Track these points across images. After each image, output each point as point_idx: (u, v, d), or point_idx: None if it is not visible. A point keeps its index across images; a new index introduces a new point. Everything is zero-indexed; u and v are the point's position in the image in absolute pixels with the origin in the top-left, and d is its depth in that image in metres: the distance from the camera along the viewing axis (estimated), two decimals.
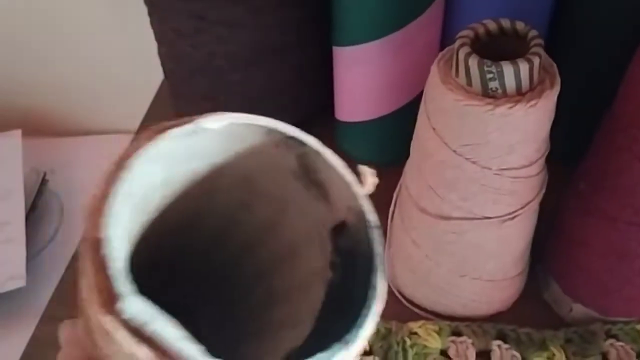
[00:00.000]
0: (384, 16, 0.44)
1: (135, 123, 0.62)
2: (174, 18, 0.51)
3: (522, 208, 0.35)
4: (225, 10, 0.48)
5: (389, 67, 0.46)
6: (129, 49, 0.70)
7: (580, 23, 0.45)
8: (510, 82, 0.30)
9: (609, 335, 0.40)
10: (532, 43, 0.31)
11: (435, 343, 0.40)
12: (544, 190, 0.37)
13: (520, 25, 0.32)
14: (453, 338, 0.41)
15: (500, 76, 0.30)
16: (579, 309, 0.41)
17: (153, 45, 0.55)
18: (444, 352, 0.41)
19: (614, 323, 0.40)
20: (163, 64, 0.57)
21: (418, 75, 0.49)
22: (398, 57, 0.46)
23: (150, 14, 0.53)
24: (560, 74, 0.48)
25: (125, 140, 0.61)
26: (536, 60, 0.30)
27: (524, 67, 0.30)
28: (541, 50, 0.31)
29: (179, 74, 0.56)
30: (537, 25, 0.46)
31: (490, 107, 0.31)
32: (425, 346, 0.40)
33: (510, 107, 0.30)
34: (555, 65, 0.33)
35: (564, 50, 0.47)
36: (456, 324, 0.42)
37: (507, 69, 0.30)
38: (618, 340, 0.40)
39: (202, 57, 0.51)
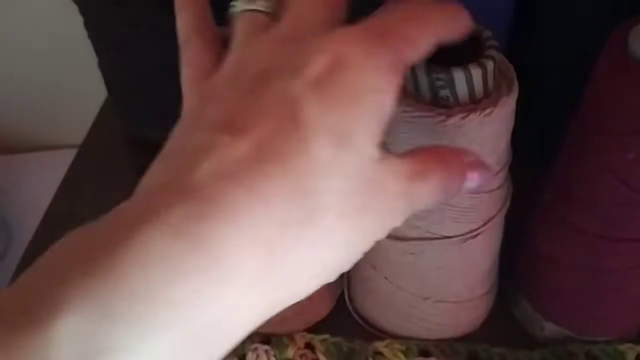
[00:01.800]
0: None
1: (81, 137, 0.58)
2: (108, 26, 0.47)
3: (484, 225, 0.32)
4: (163, 17, 0.45)
5: None
6: (73, 63, 0.67)
7: (547, 20, 0.43)
8: (462, 90, 0.27)
9: (589, 356, 0.37)
10: (486, 45, 0.28)
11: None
12: (508, 204, 0.34)
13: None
14: (421, 359, 0.39)
15: (451, 83, 0.27)
16: (551, 328, 0.38)
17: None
18: None
19: (594, 343, 0.37)
20: (103, 76, 0.53)
21: None
22: None
23: (85, 24, 0.49)
24: (526, 74, 0.47)
25: (70, 155, 0.58)
26: (490, 65, 0.27)
27: (476, 72, 0.27)
28: (496, 53, 0.27)
29: (120, 86, 0.52)
30: (499, 24, 0.44)
31: (441, 117, 0.27)
32: None
33: (463, 117, 0.27)
34: (512, 68, 0.30)
35: (530, 49, 0.45)
36: (425, 343, 0.39)
37: (458, 75, 0.26)
38: None
39: (142, 67, 0.48)
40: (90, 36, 0.50)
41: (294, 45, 0.20)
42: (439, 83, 0.27)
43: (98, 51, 0.51)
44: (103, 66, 0.52)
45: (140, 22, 0.45)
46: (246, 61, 0.21)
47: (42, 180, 0.66)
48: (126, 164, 0.56)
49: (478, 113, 0.27)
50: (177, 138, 0.22)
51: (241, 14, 0.23)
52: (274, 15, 0.23)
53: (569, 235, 0.33)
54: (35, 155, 0.72)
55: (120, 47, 0.48)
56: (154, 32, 0.46)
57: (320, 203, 0.19)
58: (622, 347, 0.37)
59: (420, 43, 0.20)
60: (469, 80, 0.27)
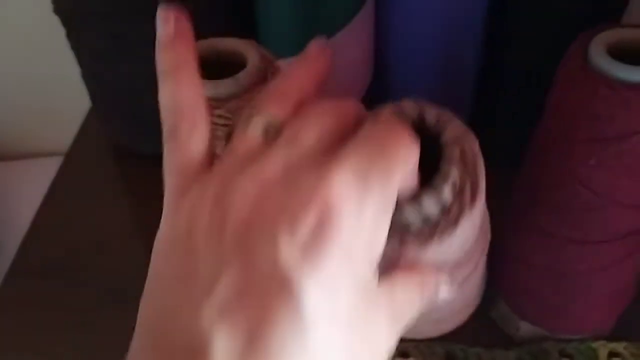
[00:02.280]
0: (304, 30, 0.42)
1: (67, 144, 0.59)
2: (90, 38, 0.48)
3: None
4: (144, 28, 0.45)
5: None
6: (58, 71, 0.67)
7: (519, 24, 0.44)
8: (415, 219, 0.23)
9: (563, 354, 0.38)
10: (448, 154, 0.24)
11: None
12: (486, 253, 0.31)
13: (430, 115, 0.25)
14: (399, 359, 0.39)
15: (400, 214, 0.23)
16: (526, 327, 0.39)
17: None
18: None
19: (567, 341, 0.38)
20: (87, 87, 0.54)
21: (352, 87, 0.47)
22: None
23: (67, 35, 0.50)
24: (501, 74, 0.48)
25: (55, 162, 0.58)
26: (446, 191, 0.23)
27: (429, 203, 0.23)
28: (455, 171, 0.23)
29: (102, 97, 0.53)
30: (473, 27, 0.45)
31: (395, 252, 0.23)
32: None
33: (421, 246, 0.24)
34: (480, 161, 0.25)
35: (504, 50, 0.46)
36: (403, 344, 0.40)
37: (409, 210, 0.23)
38: (572, 359, 0.38)
39: (124, 78, 0.49)
40: (73, 47, 0.51)
41: (280, 190, 0.19)
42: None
43: (81, 62, 0.52)
44: (86, 77, 0.53)
45: (121, 33, 0.46)
46: (230, 203, 0.19)
47: (27, 188, 0.66)
48: (111, 172, 0.57)
49: (436, 238, 0.24)
50: (158, 299, 0.20)
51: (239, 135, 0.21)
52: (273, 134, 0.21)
53: (538, 237, 0.34)
54: (21, 163, 0.72)
55: (102, 58, 0.48)
56: (135, 43, 0.46)
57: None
58: (595, 345, 0.38)
59: (398, 171, 0.20)
60: (421, 211, 0.23)
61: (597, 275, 0.33)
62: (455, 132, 0.24)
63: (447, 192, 0.23)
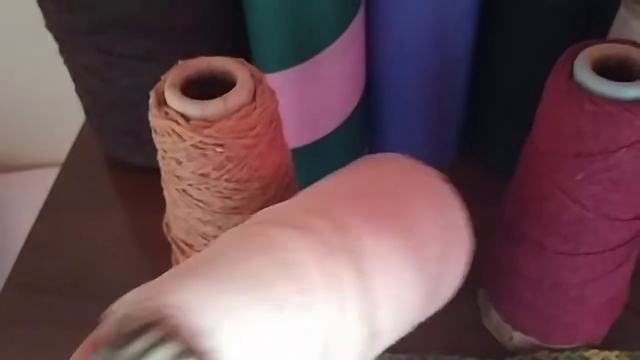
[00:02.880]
0: (295, 44, 0.42)
1: (62, 155, 0.59)
2: (82, 53, 0.48)
3: None
4: (133, 44, 0.46)
5: (308, 93, 0.44)
6: (53, 83, 0.67)
7: (508, 37, 0.44)
8: None
9: None
10: None
11: None
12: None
13: None
14: None
15: None
16: (519, 337, 0.39)
17: None
18: None
19: (560, 350, 0.39)
20: (80, 100, 0.54)
21: (344, 99, 0.47)
22: (316, 84, 0.44)
23: (60, 50, 0.50)
24: (494, 83, 0.48)
25: (51, 174, 0.59)
26: None
27: None
28: None
29: (96, 110, 0.53)
30: (463, 38, 0.46)
31: None
32: None
33: None
34: None
35: (495, 61, 0.46)
36: (397, 355, 0.40)
37: None
38: None
39: (115, 91, 0.49)
40: (65, 62, 0.51)
41: None
42: None
43: (74, 76, 0.52)
44: (79, 91, 0.53)
45: (112, 49, 0.46)
46: None
47: (22, 200, 0.67)
48: (106, 185, 0.57)
49: None
50: None
51: None
52: None
53: (529, 248, 0.34)
54: (16, 175, 0.73)
55: (95, 73, 0.49)
56: (127, 59, 0.47)
57: None
58: (587, 354, 0.38)
59: None
60: None
61: (588, 286, 0.34)
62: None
63: None
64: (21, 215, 0.57)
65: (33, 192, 0.59)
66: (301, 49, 0.43)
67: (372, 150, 0.54)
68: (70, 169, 0.59)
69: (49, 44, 0.51)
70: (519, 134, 0.35)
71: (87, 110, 0.54)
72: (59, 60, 0.51)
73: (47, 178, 0.58)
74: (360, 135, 0.52)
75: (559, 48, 0.31)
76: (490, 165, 0.51)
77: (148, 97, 0.33)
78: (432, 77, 0.47)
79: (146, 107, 0.46)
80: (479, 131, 0.51)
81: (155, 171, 0.37)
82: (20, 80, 0.70)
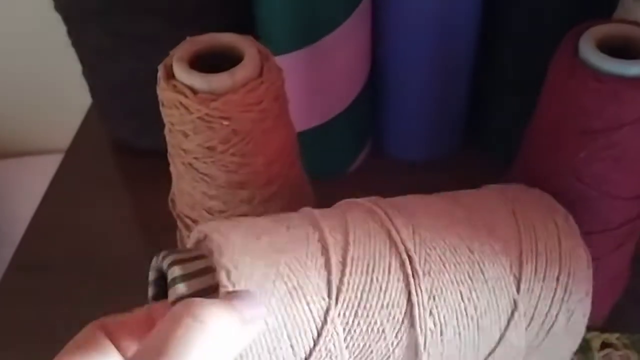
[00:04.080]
0: (302, 27, 0.42)
1: (67, 142, 0.60)
2: (90, 35, 0.48)
3: None
4: (144, 25, 0.46)
5: (315, 76, 0.45)
6: (60, 68, 0.68)
7: (512, 21, 0.44)
8: None
9: None
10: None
11: None
12: None
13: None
14: None
15: None
16: None
17: None
18: None
19: None
20: (88, 83, 0.54)
21: (349, 84, 0.48)
22: (323, 67, 0.44)
23: (68, 32, 0.51)
24: (498, 67, 0.48)
25: (56, 160, 0.59)
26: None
27: None
28: None
29: (103, 93, 0.53)
30: (468, 24, 0.46)
31: None
32: None
33: None
34: None
35: (499, 46, 0.46)
36: None
37: None
38: None
39: (123, 73, 0.49)
40: (74, 44, 0.52)
41: None
42: None
43: (81, 59, 0.52)
44: (87, 73, 0.53)
45: (121, 31, 0.47)
46: None
47: (28, 185, 0.67)
48: (112, 168, 0.58)
49: None
50: None
51: None
52: None
53: None
54: (21, 161, 0.73)
55: (103, 55, 0.49)
56: (135, 40, 0.47)
57: None
58: (588, 336, 0.38)
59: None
60: None
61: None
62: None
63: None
64: (27, 199, 0.57)
65: (39, 177, 0.59)
66: (308, 31, 0.43)
67: (377, 135, 0.54)
68: (75, 152, 0.59)
69: (54, 30, 0.51)
70: (523, 120, 0.35)
71: (94, 92, 0.55)
72: (64, 48, 0.52)
73: (52, 164, 0.58)
74: (365, 120, 0.52)
75: (562, 33, 0.31)
76: (494, 151, 0.51)
77: (155, 79, 0.34)
78: (437, 62, 0.47)
79: (153, 90, 0.47)
80: (483, 116, 0.52)
81: (160, 155, 0.37)
82: (25, 67, 0.71)
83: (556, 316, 0.28)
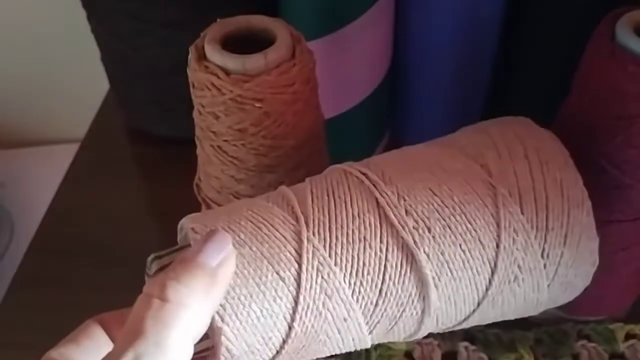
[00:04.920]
0: (325, 14, 0.42)
1: (83, 131, 0.59)
2: (112, 19, 0.48)
3: None
4: (167, 11, 0.46)
5: (337, 64, 0.44)
6: (76, 57, 0.68)
7: (539, 8, 0.44)
8: None
9: (581, 335, 0.39)
10: None
11: (399, 345, 0.39)
12: None
13: None
14: (418, 339, 0.40)
15: None
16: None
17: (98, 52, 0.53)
18: (408, 354, 0.39)
19: (585, 323, 0.39)
20: (106, 70, 0.54)
21: (370, 74, 0.47)
22: (344, 56, 0.44)
23: (88, 17, 0.50)
24: (521, 59, 0.48)
25: (72, 149, 0.59)
26: None
27: None
28: None
29: (122, 79, 0.53)
30: (493, 16, 0.46)
31: None
32: (389, 348, 0.38)
33: None
34: None
35: (523, 40, 0.46)
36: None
37: None
38: (590, 341, 0.38)
39: (143, 59, 0.49)
40: (93, 29, 0.51)
41: None
42: None
43: (101, 44, 0.52)
44: (106, 59, 0.53)
45: (142, 15, 0.46)
46: None
47: (45, 174, 0.67)
48: (128, 156, 0.58)
49: None
50: None
51: None
52: None
53: None
54: (38, 150, 0.73)
55: (123, 40, 0.49)
56: (157, 25, 0.47)
57: None
58: (613, 326, 0.38)
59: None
60: None
61: (618, 255, 0.34)
62: None
63: None
64: (44, 189, 0.57)
65: (56, 166, 0.59)
66: (330, 19, 0.43)
67: (395, 127, 0.54)
68: (92, 140, 0.59)
69: (73, 16, 0.51)
70: (546, 117, 0.35)
71: (112, 79, 0.54)
72: (82, 35, 0.52)
73: (69, 153, 0.58)
74: (384, 111, 0.52)
75: (588, 29, 0.31)
76: None
77: (175, 66, 0.33)
78: (460, 55, 0.47)
79: (173, 77, 0.47)
80: (505, 109, 0.51)
81: (177, 142, 0.37)
82: (43, 56, 0.71)
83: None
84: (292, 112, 0.31)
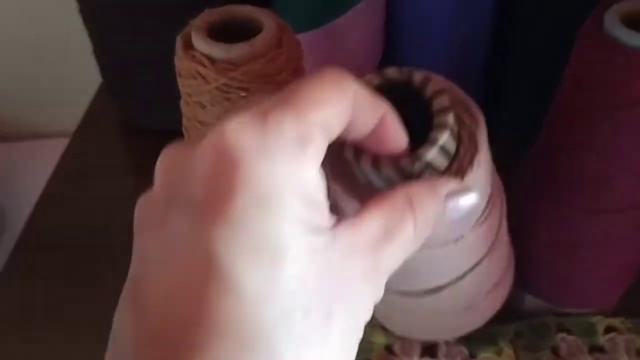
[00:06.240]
0: (316, 7, 0.42)
1: (75, 125, 0.59)
2: (104, 12, 0.48)
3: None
4: (160, 3, 0.46)
5: (328, 57, 0.44)
6: (67, 49, 0.67)
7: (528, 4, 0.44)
8: (418, 168, 0.22)
9: (561, 329, 0.38)
10: (438, 104, 0.22)
11: (380, 338, 0.38)
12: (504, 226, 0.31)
13: (418, 77, 0.24)
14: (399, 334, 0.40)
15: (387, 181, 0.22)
16: (530, 300, 0.39)
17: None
18: (388, 348, 0.39)
19: (566, 315, 0.39)
20: (98, 62, 0.54)
21: (361, 66, 0.47)
22: (335, 48, 0.44)
23: (81, 10, 0.50)
24: (509, 58, 0.48)
25: (64, 143, 0.59)
26: (445, 136, 0.22)
27: (420, 164, 0.22)
28: (451, 117, 0.22)
29: (114, 71, 0.53)
30: (484, 11, 0.45)
31: None
32: (370, 342, 0.38)
33: None
34: (478, 113, 0.24)
35: (512, 34, 0.46)
36: None
37: (391, 172, 0.22)
38: (570, 333, 0.38)
39: (136, 51, 0.49)
40: (85, 22, 0.51)
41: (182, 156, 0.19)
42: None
43: (93, 37, 0.52)
44: (98, 51, 0.53)
45: (135, 8, 0.46)
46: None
47: (36, 168, 0.66)
48: (120, 149, 0.57)
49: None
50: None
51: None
52: None
53: (545, 206, 0.34)
54: (30, 144, 0.73)
55: (115, 32, 0.49)
56: (149, 18, 0.47)
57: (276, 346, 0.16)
58: (593, 319, 0.38)
59: (310, 109, 0.17)
60: (422, 160, 0.22)
61: (603, 246, 0.34)
62: (440, 84, 0.23)
63: (446, 138, 0.22)
64: (34, 183, 0.57)
65: (46, 160, 0.59)
66: (322, 12, 0.43)
67: None
68: (84, 132, 0.59)
69: (64, 8, 0.50)
70: (534, 103, 0.35)
71: (104, 70, 0.54)
72: (73, 33, 0.51)
73: (59, 148, 0.58)
74: None
75: (575, 18, 0.31)
76: (508, 140, 0.50)
77: (168, 58, 0.33)
78: (451, 49, 0.47)
79: (165, 69, 0.46)
80: (498, 107, 0.51)
81: (169, 135, 0.37)
82: (33, 48, 0.70)
83: None
84: None
